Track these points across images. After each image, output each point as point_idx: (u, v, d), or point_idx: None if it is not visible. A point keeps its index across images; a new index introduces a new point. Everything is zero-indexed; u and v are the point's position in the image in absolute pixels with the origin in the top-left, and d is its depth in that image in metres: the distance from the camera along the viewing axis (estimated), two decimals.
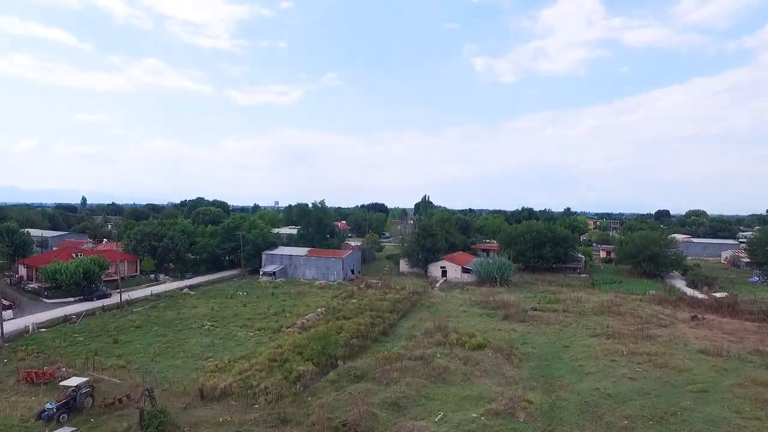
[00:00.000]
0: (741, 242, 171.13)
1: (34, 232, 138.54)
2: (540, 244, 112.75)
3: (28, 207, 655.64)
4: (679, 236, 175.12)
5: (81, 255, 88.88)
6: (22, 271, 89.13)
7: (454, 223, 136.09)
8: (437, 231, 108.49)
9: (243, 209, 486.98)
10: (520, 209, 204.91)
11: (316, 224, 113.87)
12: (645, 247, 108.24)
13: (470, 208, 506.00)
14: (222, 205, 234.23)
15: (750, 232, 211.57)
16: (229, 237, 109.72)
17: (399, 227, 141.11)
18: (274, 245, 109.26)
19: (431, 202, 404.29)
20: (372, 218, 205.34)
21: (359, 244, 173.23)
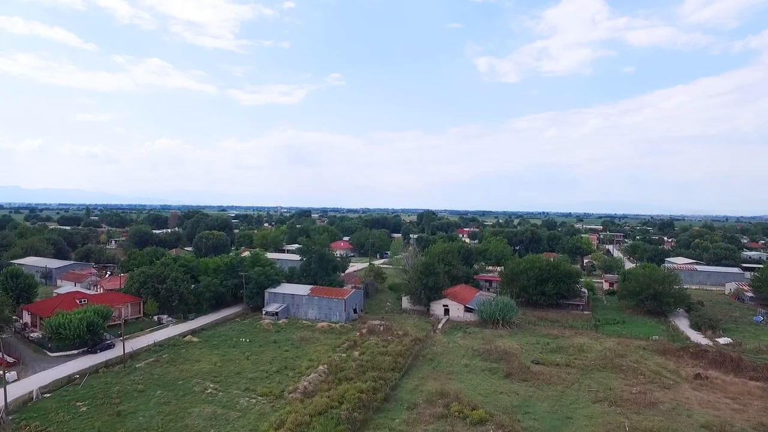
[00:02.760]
0: (745, 267, 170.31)
1: (39, 262, 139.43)
2: (543, 281, 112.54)
3: (32, 211, 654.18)
4: (682, 261, 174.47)
5: (85, 301, 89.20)
6: (26, 317, 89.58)
7: (456, 252, 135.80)
8: (439, 269, 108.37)
9: (246, 216, 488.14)
10: (523, 230, 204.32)
11: (318, 260, 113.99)
12: (648, 285, 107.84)
13: (474, 217, 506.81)
14: (225, 224, 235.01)
15: (755, 253, 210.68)
16: (231, 273, 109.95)
17: (401, 253, 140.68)
18: (277, 282, 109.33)
19: (434, 213, 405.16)
20: (375, 237, 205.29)
21: (363, 267, 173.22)
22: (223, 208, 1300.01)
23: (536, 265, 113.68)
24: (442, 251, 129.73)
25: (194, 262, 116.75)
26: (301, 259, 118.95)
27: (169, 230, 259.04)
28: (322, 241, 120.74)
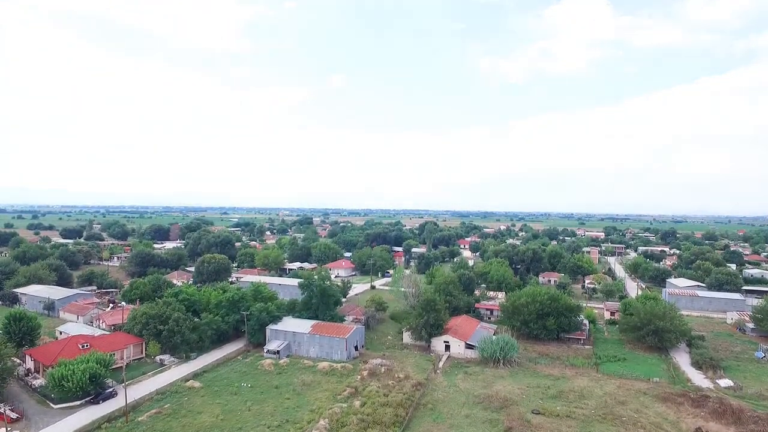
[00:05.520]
0: (747, 289, 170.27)
1: (41, 291, 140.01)
2: (544, 315, 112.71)
3: (35, 216, 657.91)
4: (684, 283, 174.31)
5: (87, 345, 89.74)
6: (29, 362, 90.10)
7: (458, 281, 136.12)
8: (440, 305, 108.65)
9: (248, 224, 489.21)
10: (525, 249, 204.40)
11: (319, 295, 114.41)
12: (649, 320, 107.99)
13: (475, 225, 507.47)
14: (227, 240, 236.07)
15: (756, 271, 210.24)
16: (233, 309, 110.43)
17: (403, 285, 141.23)
18: (278, 318, 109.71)
19: (436, 224, 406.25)
20: (376, 256, 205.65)
21: (365, 288, 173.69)
22: (225, 211, 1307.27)
23: (537, 299, 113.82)
24: (443, 281, 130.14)
25: (196, 296, 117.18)
26: (302, 293, 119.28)
27: (171, 247, 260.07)
28: (324, 274, 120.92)
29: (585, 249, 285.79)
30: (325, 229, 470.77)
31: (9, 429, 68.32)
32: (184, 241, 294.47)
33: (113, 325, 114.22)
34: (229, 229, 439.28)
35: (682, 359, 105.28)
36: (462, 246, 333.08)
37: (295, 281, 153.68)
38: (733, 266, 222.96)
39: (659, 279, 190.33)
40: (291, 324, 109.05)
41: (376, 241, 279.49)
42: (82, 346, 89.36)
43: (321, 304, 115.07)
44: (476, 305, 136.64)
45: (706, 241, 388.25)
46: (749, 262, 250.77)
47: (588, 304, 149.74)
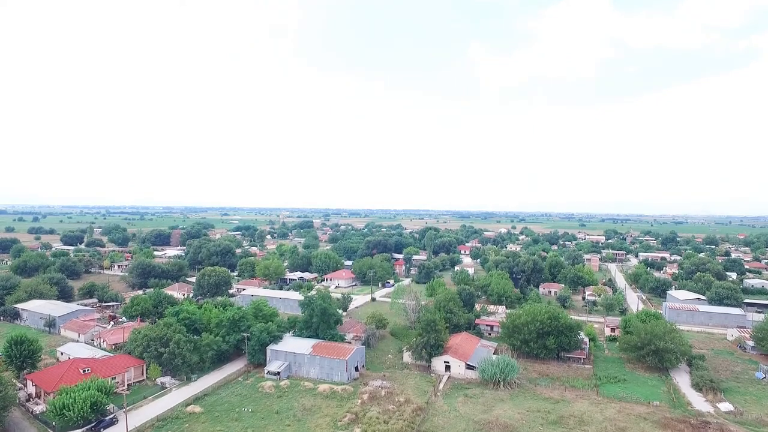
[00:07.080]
0: (747, 302, 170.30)
1: (42, 307, 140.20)
2: (544, 334, 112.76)
3: (35, 219, 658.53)
4: (684, 295, 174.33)
5: (88, 370, 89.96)
6: (30, 387, 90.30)
7: (458, 297, 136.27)
8: (440, 325, 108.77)
9: (249, 228, 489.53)
10: (525, 260, 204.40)
11: (320, 314, 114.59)
12: (649, 341, 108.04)
13: (474, 229, 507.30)
14: (227, 249, 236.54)
15: (757, 281, 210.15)
16: (233, 328, 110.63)
17: (403, 299, 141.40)
18: (279, 338, 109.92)
19: (437, 230, 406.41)
20: (377, 266, 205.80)
21: (366, 300, 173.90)
22: (225, 212, 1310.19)
23: (537, 317, 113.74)
24: (444, 298, 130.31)
25: (197, 314, 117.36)
26: (303, 311, 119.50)
27: (172, 254, 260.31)
28: (324, 293, 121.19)
29: (586, 256, 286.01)
30: (326, 233, 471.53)
31: None
32: (184, 248, 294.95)
33: (114, 344, 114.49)
34: (230, 233, 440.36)
35: (683, 380, 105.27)
36: (462, 252, 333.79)
37: (296, 295, 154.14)
38: (734, 275, 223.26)
39: (660, 290, 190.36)
40: (291, 344, 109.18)
41: (377, 248, 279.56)
42: (83, 371, 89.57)
43: (321, 323, 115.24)
44: (476, 321, 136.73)
45: (707, 246, 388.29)
46: (750, 270, 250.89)
47: (588, 319, 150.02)
